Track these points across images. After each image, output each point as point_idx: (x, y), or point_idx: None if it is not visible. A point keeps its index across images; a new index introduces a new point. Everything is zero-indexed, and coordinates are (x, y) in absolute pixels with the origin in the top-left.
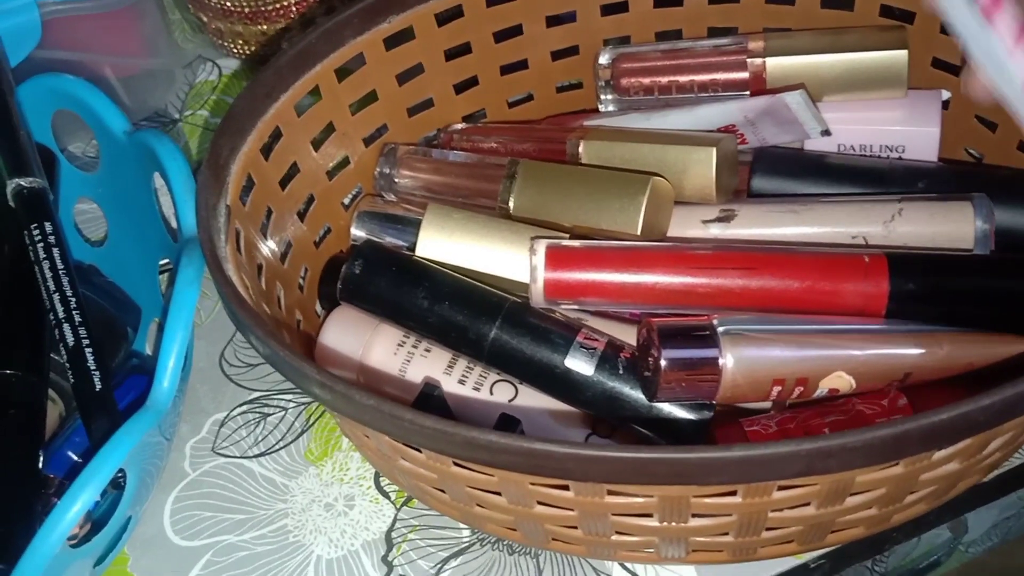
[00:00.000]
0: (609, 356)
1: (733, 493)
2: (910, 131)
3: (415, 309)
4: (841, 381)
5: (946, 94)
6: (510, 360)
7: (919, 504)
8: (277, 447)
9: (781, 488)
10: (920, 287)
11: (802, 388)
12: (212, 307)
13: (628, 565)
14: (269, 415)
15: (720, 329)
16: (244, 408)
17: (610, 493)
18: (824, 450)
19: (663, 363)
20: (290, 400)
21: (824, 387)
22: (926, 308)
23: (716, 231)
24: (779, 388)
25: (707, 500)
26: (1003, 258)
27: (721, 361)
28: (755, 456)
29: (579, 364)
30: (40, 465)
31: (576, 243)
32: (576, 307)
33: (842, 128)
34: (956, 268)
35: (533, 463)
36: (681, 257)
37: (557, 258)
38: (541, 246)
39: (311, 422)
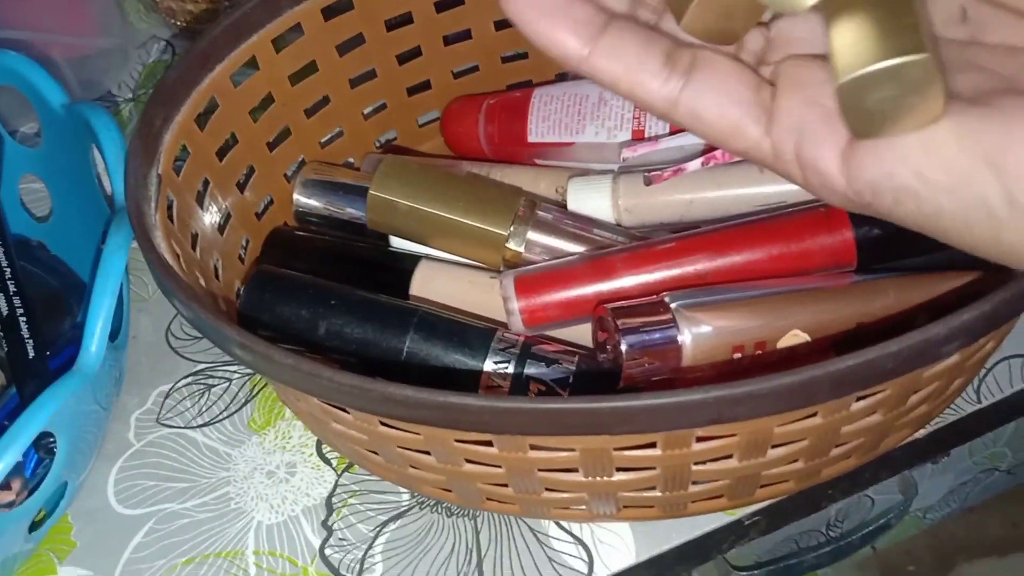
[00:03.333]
0: (527, 352)
1: (653, 445)
2: None
3: (321, 336)
4: (797, 339)
5: None
6: (428, 371)
7: (849, 459)
8: (221, 417)
9: (700, 440)
10: (885, 227)
11: (761, 352)
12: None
13: (563, 524)
14: (214, 386)
15: (673, 306)
16: (189, 380)
17: (533, 448)
18: (732, 397)
19: (623, 349)
20: (235, 371)
21: (782, 347)
22: (896, 247)
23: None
24: (739, 354)
25: (628, 453)
26: None
27: (680, 338)
28: (664, 404)
29: (499, 366)
30: None
31: (541, 267)
32: (557, 328)
33: None
34: None
35: (450, 417)
36: (647, 256)
37: (527, 285)
38: (509, 279)
39: (255, 393)
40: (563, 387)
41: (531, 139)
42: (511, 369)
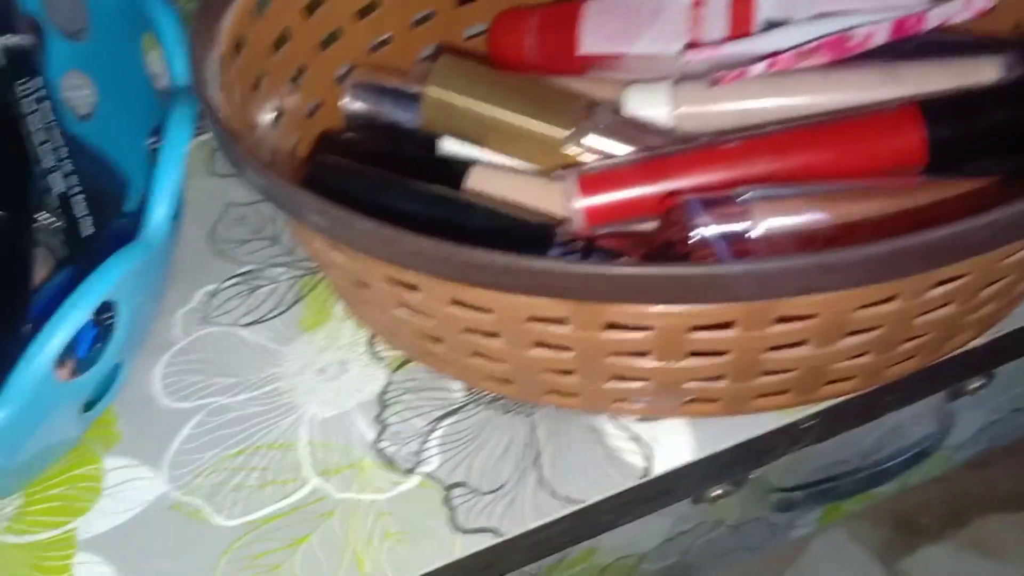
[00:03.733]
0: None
1: (730, 326)
2: None
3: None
4: None
5: None
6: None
7: (913, 359)
8: (270, 316)
9: (779, 321)
10: (957, 128)
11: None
12: (202, 184)
13: (622, 421)
14: (261, 286)
15: (745, 197)
16: (236, 280)
17: (609, 328)
18: (825, 265)
19: (692, 240)
20: (282, 272)
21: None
22: (967, 150)
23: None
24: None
25: (704, 335)
26: None
27: (753, 231)
28: (756, 270)
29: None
30: (28, 309)
31: (605, 164)
32: (621, 227)
33: None
34: (991, 100)
35: (535, 282)
36: (710, 156)
37: (590, 184)
38: (572, 176)
39: (305, 293)
40: None
41: (581, 50)
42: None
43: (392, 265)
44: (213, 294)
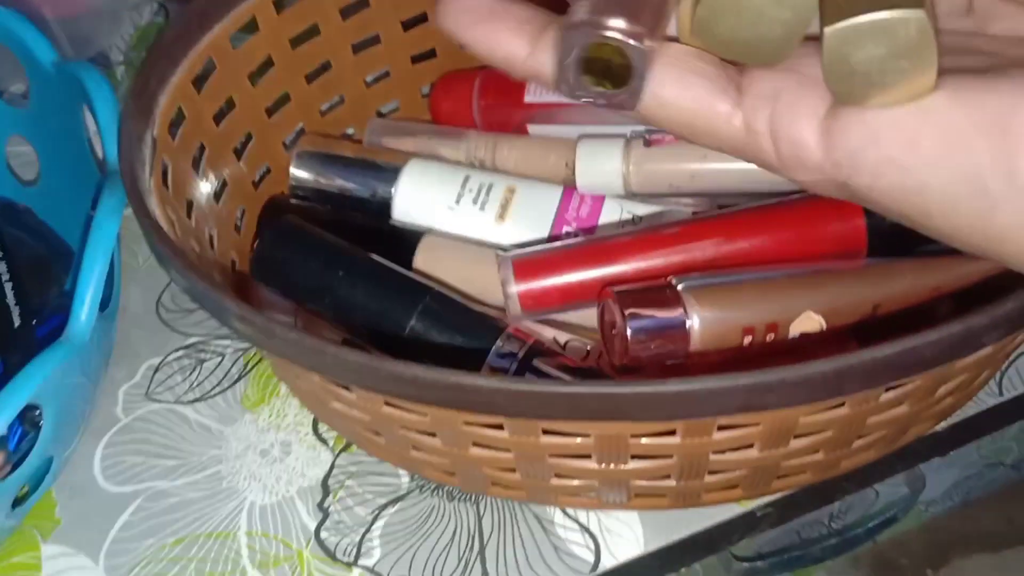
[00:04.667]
0: (536, 352)
1: (672, 433)
2: None
3: (327, 295)
4: (811, 322)
5: None
6: (427, 356)
7: (869, 451)
8: (213, 393)
9: (722, 428)
10: None
11: (773, 335)
12: (149, 251)
13: (570, 511)
14: (205, 360)
15: (680, 287)
16: (180, 353)
17: (546, 432)
18: (764, 384)
19: (628, 333)
20: (228, 345)
21: (795, 330)
22: (909, 233)
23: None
24: (750, 338)
25: (645, 441)
26: None
27: (688, 322)
28: (692, 390)
29: (500, 362)
30: None
31: (540, 248)
32: (556, 313)
33: None
34: None
35: (462, 398)
36: (651, 240)
37: (526, 269)
38: (507, 262)
39: (249, 368)
40: None
41: (528, 99)
42: (512, 371)
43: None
44: (157, 368)
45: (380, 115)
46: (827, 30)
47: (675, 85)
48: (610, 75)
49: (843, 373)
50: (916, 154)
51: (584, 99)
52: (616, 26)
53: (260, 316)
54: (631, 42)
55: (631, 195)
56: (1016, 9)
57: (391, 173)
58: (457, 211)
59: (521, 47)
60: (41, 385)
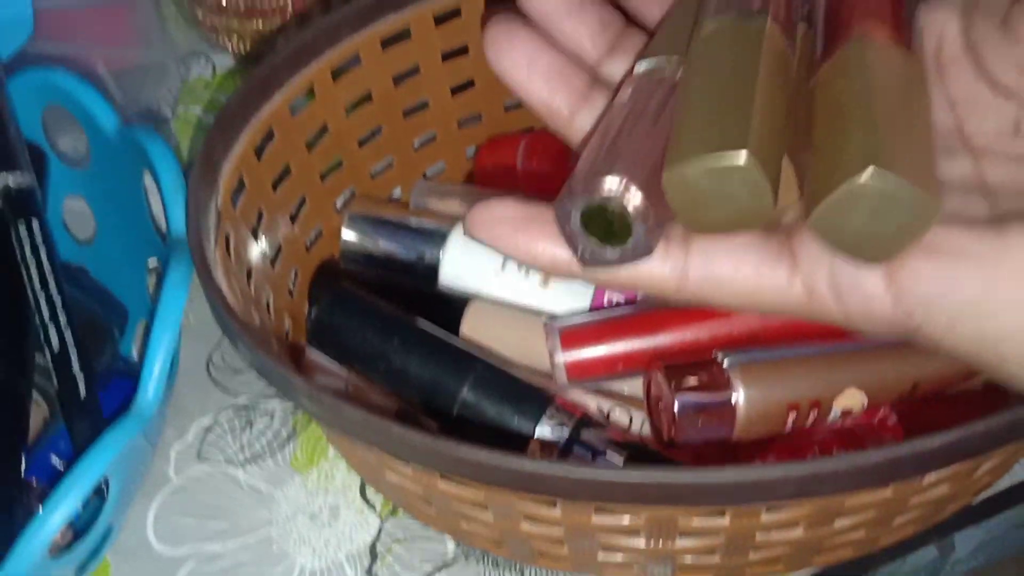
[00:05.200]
0: (584, 424)
1: (721, 514)
2: None
3: (381, 362)
4: (854, 399)
5: None
6: (477, 427)
7: (907, 527)
8: (263, 454)
9: (769, 510)
10: None
11: (816, 411)
12: (200, 308)
13: None
14: (255, 421)
15: (726, 363)
16: (231, 413)
17: (597, 511)
18: (815, 475)
19: (675, 409)
20: (277, 405)
21: (838, 407)
22: None
23: None
24: (794, 415)
25: (695, 522)
26: None
27: (734, 397)
28: (746, 480)
29: (548, 434)
30: (22, 469)
31: (587, 318)
32: (603, 383)
33: None
34: None
35: (522, 482)
36: (696, 312)
37: (572, 338)
38: (554, 331)
39: (298, 429)
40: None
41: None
42: (560, 443)
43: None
44: (209, 428)
45: (426, 177)
46: (808, 222)
47: (727, 261)
48: (615, 231)
49: (894, 463)
50: (994, 301)
51: (599, 263)
52: (607, 186)
53: (328, 395)
54: (618, 197)
55: None
56: None
57: (439, 238)
58: (503, 276)
59: (562, 251)
60: (112, 461)
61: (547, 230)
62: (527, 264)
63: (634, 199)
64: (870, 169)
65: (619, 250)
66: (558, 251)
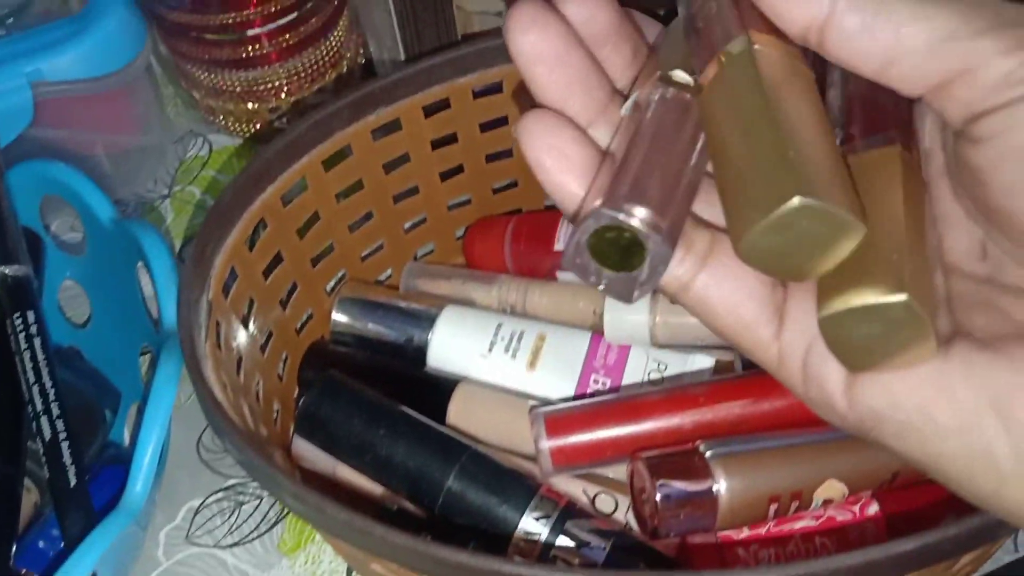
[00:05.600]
0: (568, 514)
1: None
2: None
3: (367, 454)
4: (834, 490)
5: None
6: (463, 515)
7: None
8: (251, 537)
9: None
10: None
11: (798, 502)
12: (191, 390)
13: None
14: (244, 503)
15: (708, 454)
16: (220, 495)
17: None
18: None
19: (657, 499)
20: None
21: (819, 498)
22: None
23: None
24: (775, 506)
25: None
26: None
27: (715, 488)
28: None
29: (536, 524)
30: (12, 558)
31: (572, 405)
32: (588, 469)
33: None
34: None
35: None
36: (680, 400)
37: (557, 425)
38: (539, 418)
39: (285, 512)
40: (593, 563)
41: (558, 247)
42: (544, 534)
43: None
44: (197, 511)
45: (416, 259)
46: (820, 315)
47: (728, 298)
48: (620, 257)
49: (872, 565)
50: (933, 424)
51: (595, 282)
52: (637, 214)
53: (311, 494)
54: (647, 231)
55: (658, 346)
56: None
57: (427, 321)
58: (490, 359)
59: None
60: (102, 555)
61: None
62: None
63: (657, 240)
64: (902, 296)
65: (618, 276)
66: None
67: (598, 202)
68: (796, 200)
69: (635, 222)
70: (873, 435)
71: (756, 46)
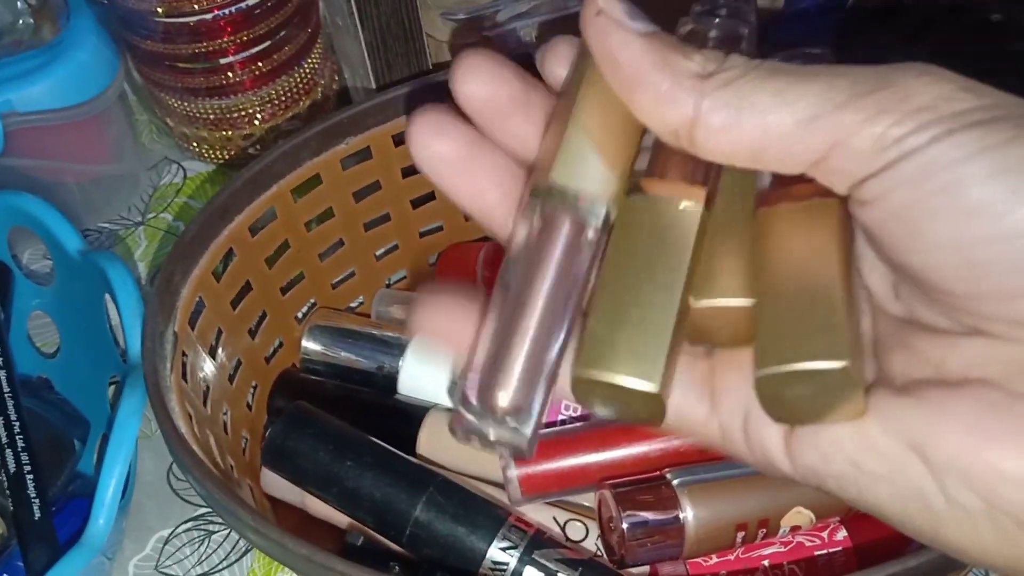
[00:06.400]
0: (537, 544)
1: None
2: None
3: (334, 486)
4: (802, 517)
5: None
6: (431, 546)
7: None
8: (220, 567)
9: None
10: None
11: (765, 530)
12: None
13: None
14: (214, 532)
15: (675, 483)
16: (189, 525)
17: None
18: None
19: (624, 528)
20: None
21: (786, 525)
22: None
23: None
24: (743, 533)
25: None
26: None
27: (682, 516)
28: None
29: (504, 553)
30: None
31: (541, 434)
32: (556, 497)
33: None
34: None
35: None
36: (647, 429)
37: None
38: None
39: None
40: None
41: None
42: (513, 563)
43: None
44: (166, 540)
45: (388, 285)
46: (758, 374)
47: None
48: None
49: None
50: (864, 473)
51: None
52: (498, 411)
53: (274, 530)
54: (509, 432)
55: None
56: (934, 304)
57: (397, 348)
58: None
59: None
60: None
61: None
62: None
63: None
64: (841, 363)
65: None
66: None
67: (461, 407)
68: (840, 364)
69: (492, 433)
70: (819, 487)
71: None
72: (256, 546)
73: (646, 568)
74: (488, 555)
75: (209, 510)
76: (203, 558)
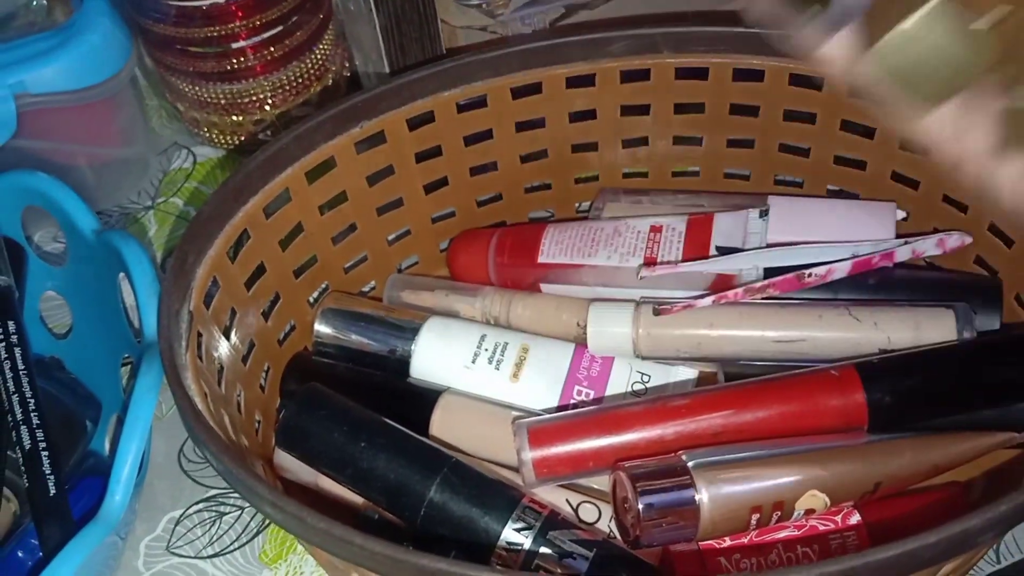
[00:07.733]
0: (551, 525)
1: None
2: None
3: (348, 467)
4: (816, 500)
5: (901, 213)
6: (446, 526)
7: None
8: (232, 547)
9: None
10: (897, 391)
11: (779, 512)
12: (172, 401)
13: None
14: (225, 514)
15: (690, 464)
16: (200, 506)
17: None
18: None
19: (639, 508)
20: None
21: (800, 508)
22: (909, 411)
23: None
24: (757, 516)
25: None
26: (977, 345)
27: (697, 497)
28: None
29: (518, 535)
30: None
31: (555, 416)
32: (571, 480)
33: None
34: (932, 363)
35: None
36: (661, 412)
37: (540, 437)
38: (522, 429)
39: (267, 522)
40: (575, 573)
41: (541, 259)
42: (527, 544)
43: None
44: (178, 521)
45: (399, 270)
46: None
47: None
48: None
49: (851, 573)
50: None
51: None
52: None
53: (292, 503)
54: None
55: (640, 357)
56: None
57: (410, 332)
58: (473, 370)
59: None
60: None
61: None
62: None
63: None
64: None
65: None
66: None
67: None
68: None
69: None
70: None
71: None
72: (274, 520)
73: (658, 548)
74: (503, 536)
75: (220, 491)
76: (214, 539)
